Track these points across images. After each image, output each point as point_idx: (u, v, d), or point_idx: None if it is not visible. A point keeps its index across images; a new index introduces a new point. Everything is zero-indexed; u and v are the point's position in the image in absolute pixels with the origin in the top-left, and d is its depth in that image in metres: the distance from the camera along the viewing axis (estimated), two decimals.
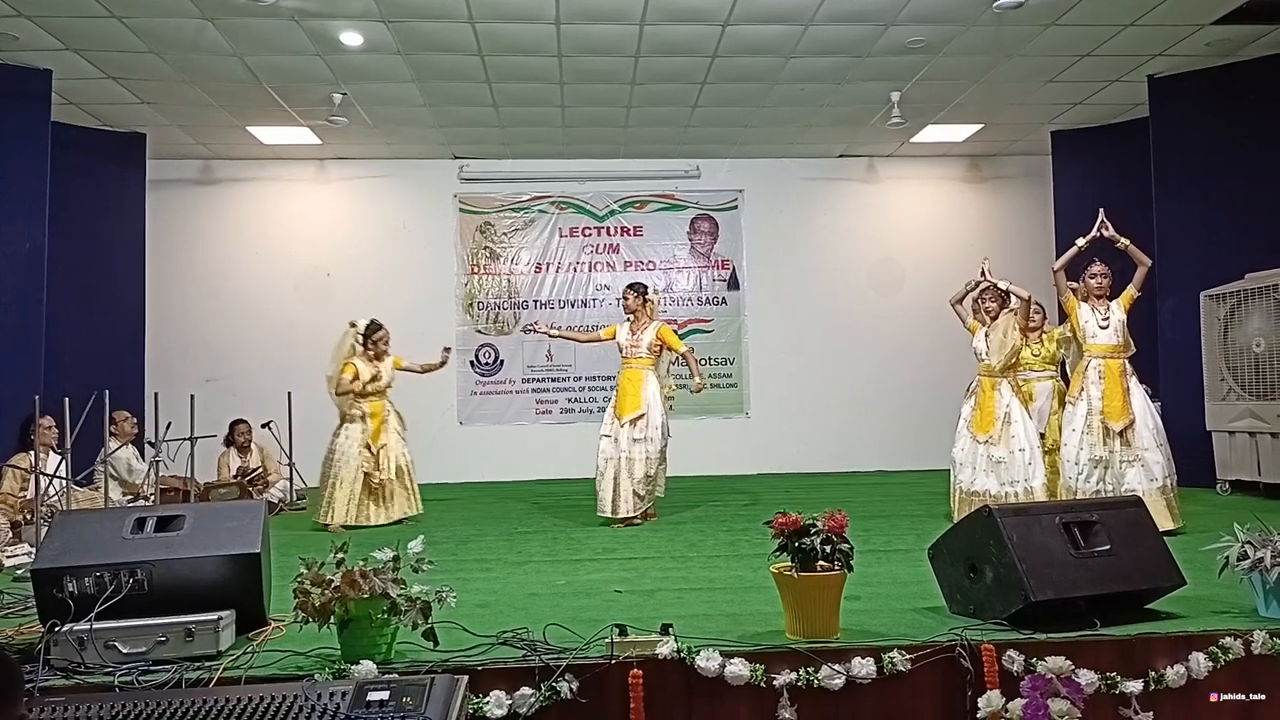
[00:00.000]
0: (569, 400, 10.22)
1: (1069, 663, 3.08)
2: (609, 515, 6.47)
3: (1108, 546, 3.59)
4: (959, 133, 9.61)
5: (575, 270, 10.37)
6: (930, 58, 7.55)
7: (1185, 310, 7.88)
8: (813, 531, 3.30)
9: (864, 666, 3.12)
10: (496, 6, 6.54)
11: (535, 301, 10.27)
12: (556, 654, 3.15)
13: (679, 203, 10.49)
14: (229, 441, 8.45)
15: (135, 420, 7.98)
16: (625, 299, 6.91)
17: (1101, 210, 5.98)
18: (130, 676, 2.96)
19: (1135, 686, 3.16)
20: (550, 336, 7.41)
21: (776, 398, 10.27)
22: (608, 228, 10.43)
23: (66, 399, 5.44)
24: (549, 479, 9.19)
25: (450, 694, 2.40)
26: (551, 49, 7.25)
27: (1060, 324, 6.98)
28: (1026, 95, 8.52)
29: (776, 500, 7.39)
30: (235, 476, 8.08)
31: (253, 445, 8.46)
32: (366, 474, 6.73)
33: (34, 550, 4.91)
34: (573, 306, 10.31)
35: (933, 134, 9.59)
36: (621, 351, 6.82)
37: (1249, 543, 3.54)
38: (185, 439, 6.81)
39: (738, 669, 3.10)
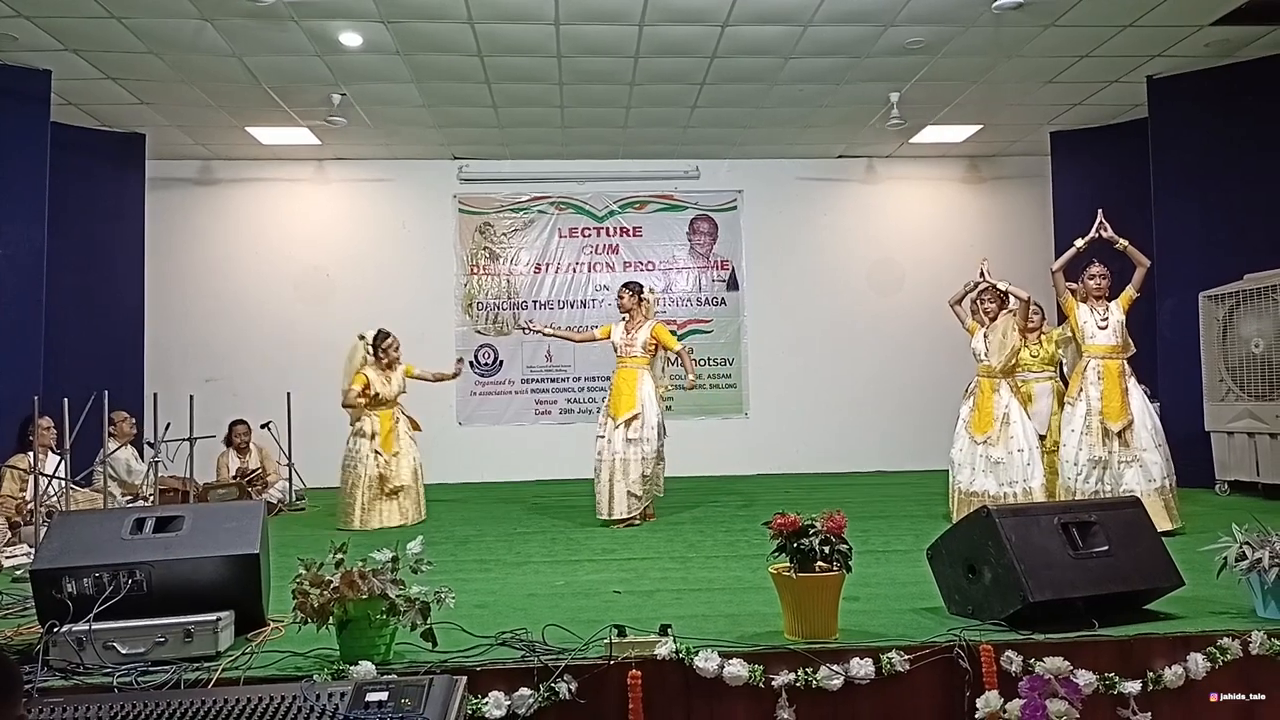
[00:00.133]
0: (568, 401, 10.23)
1: (1067, 663, 3.09)
2: (606, 517, 6.47)
3: (1106, 547, 3.59)
4: (958, 133, 9.62)
5: (575, 271, 10.37)
6: (929, 58, 7.56)
7: (1184, 311, 7.89)
8: (811, 532, 3.31)
9: (862, 667, 3.13)
10: (496, 7, 6.54)
11: (535, 302, 10.27)
12: (555, 655, 3.15)
13: (678, 203, 10.49)
14: (229, 442, 8.45)
15: (134, 421, 7.98)
16: (620, 298, 6.89)
17: (1100, 211, 5.98)
18: (129, 677, 2.96)
19: (1133, 687, 3.17)
20: (545, 335, 7.40)
21: (775, 398, 10.27)
22: (607, 228, 10.44)
23: (65, 399, 5.44)
24: (548, 479, 9.19)
25: (449, 694, 2.41)
26: (551, 50, 7.26)
27: (1059, 325, 6.99)
28: (1025, 96, 8.53)
29: (775, 501, 7.39)
30: (235, 477, 8.08)
31: (251, 446, 8.45)
32: (382, 476, 6.75)
33: (33, 551, 4.91)
34: (572, 307, 10.31)
35: (932, 134, 9.60)
36: (616, 351, 6.80)
37: (1247, 543, 3.54)
38: (184, 439, 6.82)
39: (736, 669, 3.10)
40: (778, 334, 10.34)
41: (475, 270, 10.30)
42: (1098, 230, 5.92)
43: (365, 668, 2.99)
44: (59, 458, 5.90)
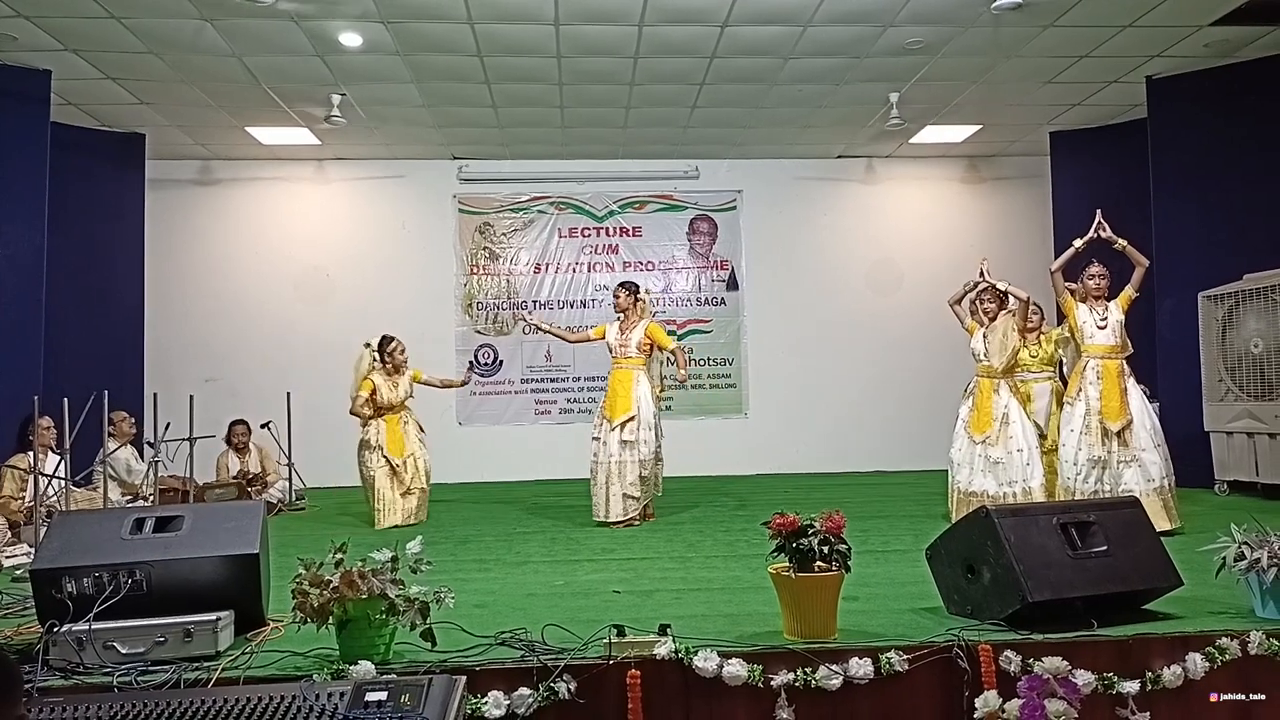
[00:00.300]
0: (568, 400, 10.23)
1: (1066, 663, 3.08)
2: (601, 519, 6.47)
3: (1105, 547, 3.59)
4: (958, 133, 9.62)
5: (574, 271, 10.38)
6: (929, 59, 7.56)
7: (1183, 311, 7.89)
8: (810, 532, 3.31)
9: (861, 667, 3.13)
10: (496, 7, 6.54)
11: (535, 302, 10.27)
12: (554, 654, 3.15)
13: (678, 203, 10.49)
14: (229, 442, 8.45)
15: (133, 420, 7.98)
16: (617, 297, 6.86)
17: (1099, 211, 5.98)
18: (129, 677, 2.96)
19: (1132, 687, 3.17)
20: (541, 329, 7.36)
21: (775, 398, 10.28)
22: (607, 228, 10.44)
23: (65, 399, 5.44)
24: (547, 479, 9.19)
25: (448, 694, 2.41)
26: (550, 50, 7.26)
27: (1058, 325, 6.99)
28: (1025, 96, 8.53)
29: (774, 501, 7.39)
30: (234, 477, 8.08)
31: (251, 445, 8.46)
32: (395, 476, 6.81)
33: (33, 551, 4.91)
34: (572, 307, 10.31)
35: (931, 135, 9.60)
36: (611, 352, 6.79)
37: (1246, 543, 3.54)
38: (184, 439, 6.82)
39: (735, 669, 3.10)
40: (777, 334, 10.34)
41: (475, 270, 10.31)
42: (1096, 230, 5.92)
43: (365, 667, 2.99)
44: (59, 457, 5.90)
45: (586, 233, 10.42)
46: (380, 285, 10.01)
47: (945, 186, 10.63)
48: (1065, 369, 6.67)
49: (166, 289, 9.74)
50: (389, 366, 7.01)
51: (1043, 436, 6.37)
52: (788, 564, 3.33)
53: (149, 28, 6.74)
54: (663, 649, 3.13)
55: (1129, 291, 5.95)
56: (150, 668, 3.05)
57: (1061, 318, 6.41)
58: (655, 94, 8.32)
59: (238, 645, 3.33)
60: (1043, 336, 6.85)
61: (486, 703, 2.99)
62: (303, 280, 10.07)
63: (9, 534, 5.93)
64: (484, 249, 10.33)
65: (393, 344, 7.03)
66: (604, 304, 10.12)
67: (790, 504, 6.70)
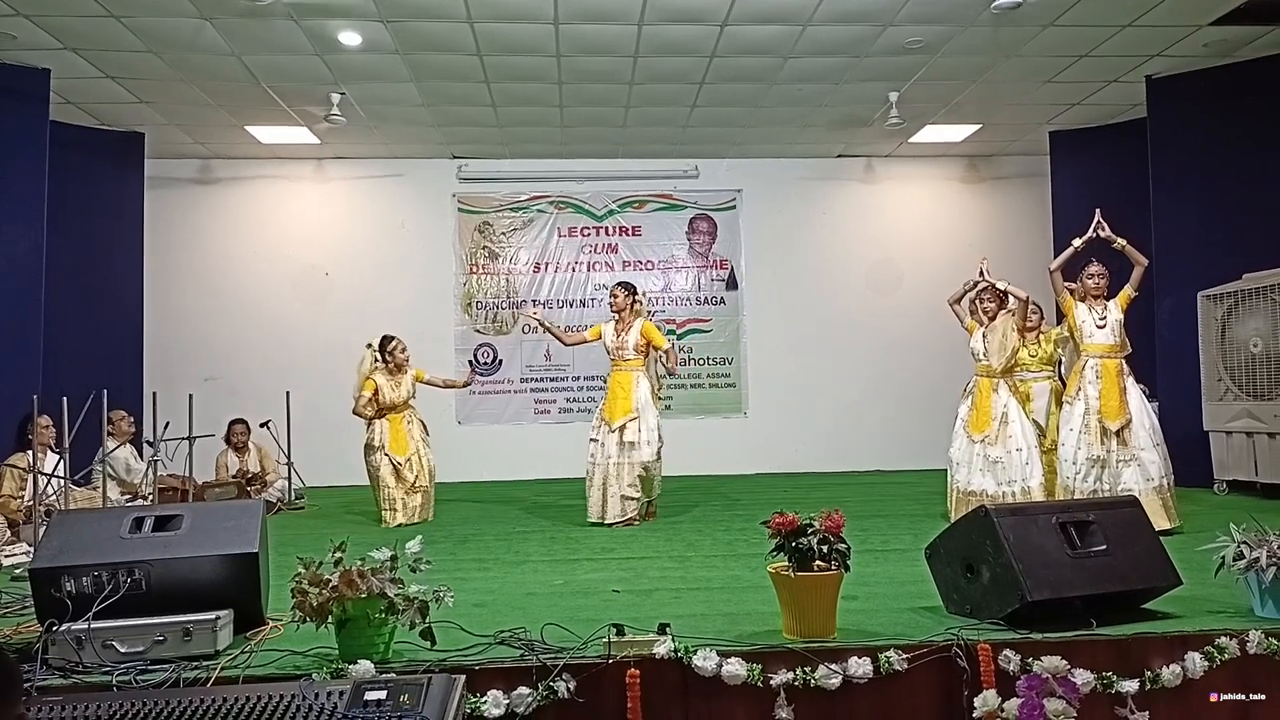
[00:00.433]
0: (567, 400, 10.23)
1: (1065, 662, 3.08)
2: (597, 520, 6.46)
3: (1104, 546, 3.59)
4: (957, 133, 9.62)
5: (574, 270, 10.38)
6: (928, 58, 7.56)
7: (1183, 310, 7.89)
8: (810, 531, 3.31)
9: (861, 666, 3.13)
10: (495, 6, 6.54)
11: (534, 301, 10.27)
12: (554, 653, 3.15)
13: (677, 202, 10.49)
14: (228, 441, 8.45)
15: (132, 420, 7.98)
16: (615, 296, 6.80)
17: (1098, 211, 5.98)
18: (128, 676, 2.96)
19: (1131, 686, 3.17)
20: (539, 323, 7.28)
21: (774, 397, 10.28)
22: (606, 227, 10.44)
23: (64, 398, 5.43)
24: (547, 479, 9.18)
25: (447, 693, 2.41)
26: (550, 49, 7.26)
27: (1057, 324, 6.99)
28: (1024, 96, 8.53)
29: (774, 500, 7.39)
30: (234, 476, 8.08)
31: (250, 445, 8.45)
32: (399, 475, 6.82)
33: (32, 550, 4.91)
34: (571, 306, 10.31)
35: (931, 134, 9.60)
36: (609, 354, 6.78)
37: (1245, 543, 3.55)
38: (184, 438, 6.82)
39: (735, 668, 3.10)
40: (777, 333, 10.34)
41: (474, 269, 10.30)
42: (1096, 230, 5.92)
43: (364, 666, 2.99)
44: (58, 456, 5.90)
45: (586, 232, 10.42)
46: (380, 284, 10.01)
47: (945, 186, 10.63)
48: (1064, 368, 6.68)
49: (166, 288, 9.74)
50: (390, 366, 7.04)
51: (1042, 436, 6.37)
52: (787, 563, 3.33)
53: (148, 26, 6.73)
54: (662, 648, 3.13)
55: (1128, 291, 5.95)
56: (149, 667, 3.05)
57: (1061, 317, 6.42)
58: (655, 93, 8.31)
59: (237, 644, 3.33)
60: (1042, 336, 6.86)
61: (486, 702, 2.99)
62: (302, 279, 10.07)
63: (8, 533, 5.93)
64: (483, 248, 10.33)
65: (393, 343, 7.06)
66: (603, 303, 10.08)
67: (790, 503, 6.63)
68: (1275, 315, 7.15)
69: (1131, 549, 3.65)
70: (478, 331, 10.26)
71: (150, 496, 6.59)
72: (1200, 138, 7.95)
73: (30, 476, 5.86)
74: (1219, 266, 7.63)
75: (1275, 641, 3.29)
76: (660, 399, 6.94)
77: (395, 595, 3.10)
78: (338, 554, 3.17)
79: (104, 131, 8.86)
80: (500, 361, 10.25)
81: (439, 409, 9.60)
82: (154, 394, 6.68)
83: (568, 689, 3.04)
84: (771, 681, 3.11)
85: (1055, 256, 6.55)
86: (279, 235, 10.13)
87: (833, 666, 3.13)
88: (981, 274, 6.21)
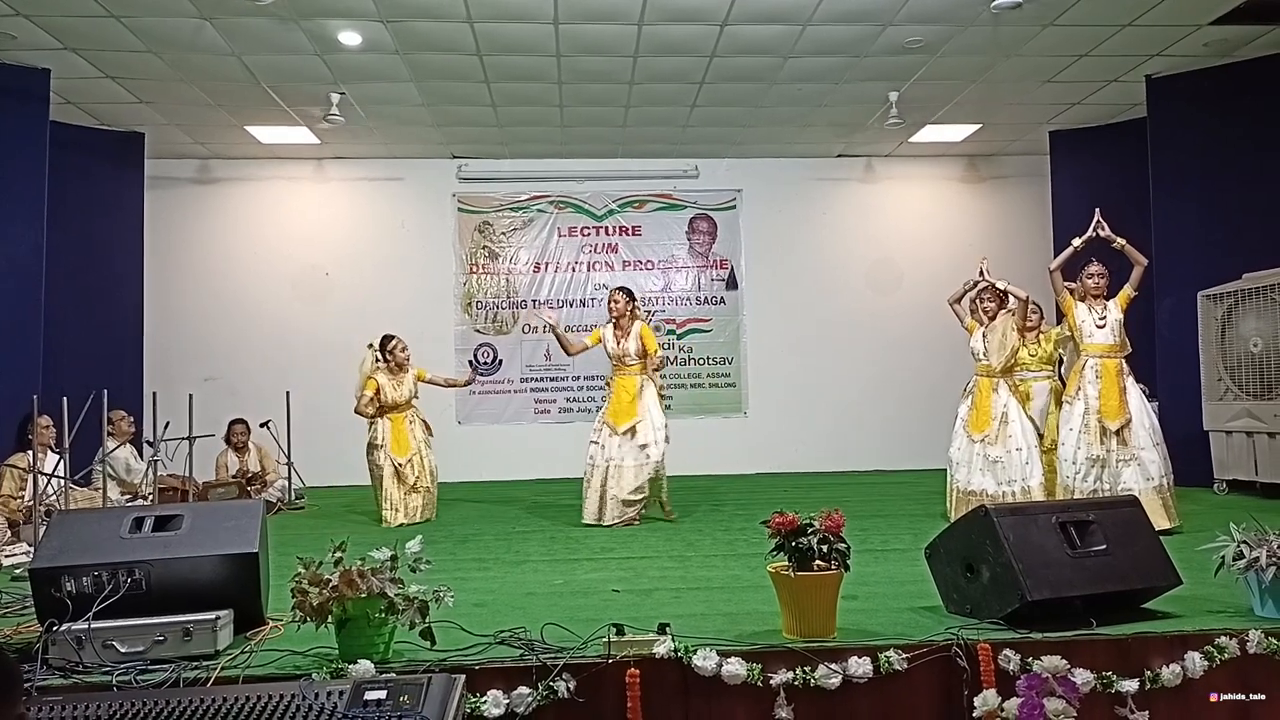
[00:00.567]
0: (567, 400, 10.23)
1: (1065, 662, 3.08)
2: (593, 522, 6.45)
3: (1104, 546, 3.59)
4: (957, 133, 9.62)
5: (574, 270, 10.38)
6: (928, 58, 7.56)
7: (1183, 310, 7.89)
8: (810, 531, 3.31)
9: (860, 666, 3.13)
10: (495, 6, 6.54)
11: (534, 301, 10.28)
12: (554, 653, 3.15)
13: (677, 202, 10.49)
14: (228, 441, 8.45)
15: (132, 420, 7.98)
16: (615, 301, 6.79)
17: (1097, 210, 5.98)
18: (128, 676, 2.96)
19: (1131, 686, 3.17)
20: (548, 324, 7.16)
21: (774, 397, 10.27)
22: (606, 227, 10.44)
23: (64, 398, 5.44)
24: (547, 479, 9.18)
25: (447, 693, 2.41)
26: (550, 49, 7.26)
27: (1057, 324, 6.99)
28: (1024, 95, 8.53)
29: (774, 500, 7.38)
30: (234, 476, 8.08)
31: (250, 444, 8.45)
32: (399, 475, 6.83)
33: (32, 550, 4.91)
34: (571, 306, 10.31)
35: (931, 134, 9.60)
36: (611, 359, 6.76)
37: (1245, 542, 3.55)
38: (184, 438, 6.82)
39: (734, 668, 3.10)
40: (777, 333, 10.34)
41: (474, 269, 10.30)
42: (1095, 229, 5.92)
43: (364, 666, 2.99)
44: (58, 456, 5.90)
45: (586, 232, 10.42)
46: (379, 284, 10.01)
47: (945, 186, 10.63)
48: (1064, 368, 6.68)
49: (166, 288, 9.74)
50: (391, 365, 7.05)
51: (1041, 435, 6.37)
52: (787, 563, 3.33)
53: (148, 26, 6.73)
54: (662, 648, 3.13)
55: (1128, 290, 5.95)
56: (149, 667, 3.05)
57: (1060, 317, 6.42)
58: (655, 93, 8.31)
59: (237, 644, 3.33)
60: (1042, 335, 6.86)
61: (486, 701, 2.99)
62: (302, 279, 10.07)
63: (8, 533, 5.93)
64: (483, 248, 10.33)
65: (394, 342, 7.07)
66: (603, 303, 10.07)
67: (789, 503, 6.65)
68: (1275, 315, 7.15)
69: (1131, 549, 3.65)
70: (478, 331, 10.26)
71: (150, 496, 6.59)
72: (1200, 137, 7.95)
73: (30, 476, 5.86)
74: (1219, 266, 7.63)
75: (1275, 641, 3.29)
76: (661, 398, 6.93)
77: (395, 595, 3.10)
78: (338, 554, 3.17)
79: (104, 131, 8.86)
80: (500, 361, 10.25)
81: (439, 409, 9.59)
82: (154, 394, 6.69)
83: (568, 689, 3.04)
84: (771, 681, 3.10)
85: (1055, 256, 6.55)
86: (279, 235, 10.13)
87: (833, 666, 3.13)
88: (981, 274, 6.21)
